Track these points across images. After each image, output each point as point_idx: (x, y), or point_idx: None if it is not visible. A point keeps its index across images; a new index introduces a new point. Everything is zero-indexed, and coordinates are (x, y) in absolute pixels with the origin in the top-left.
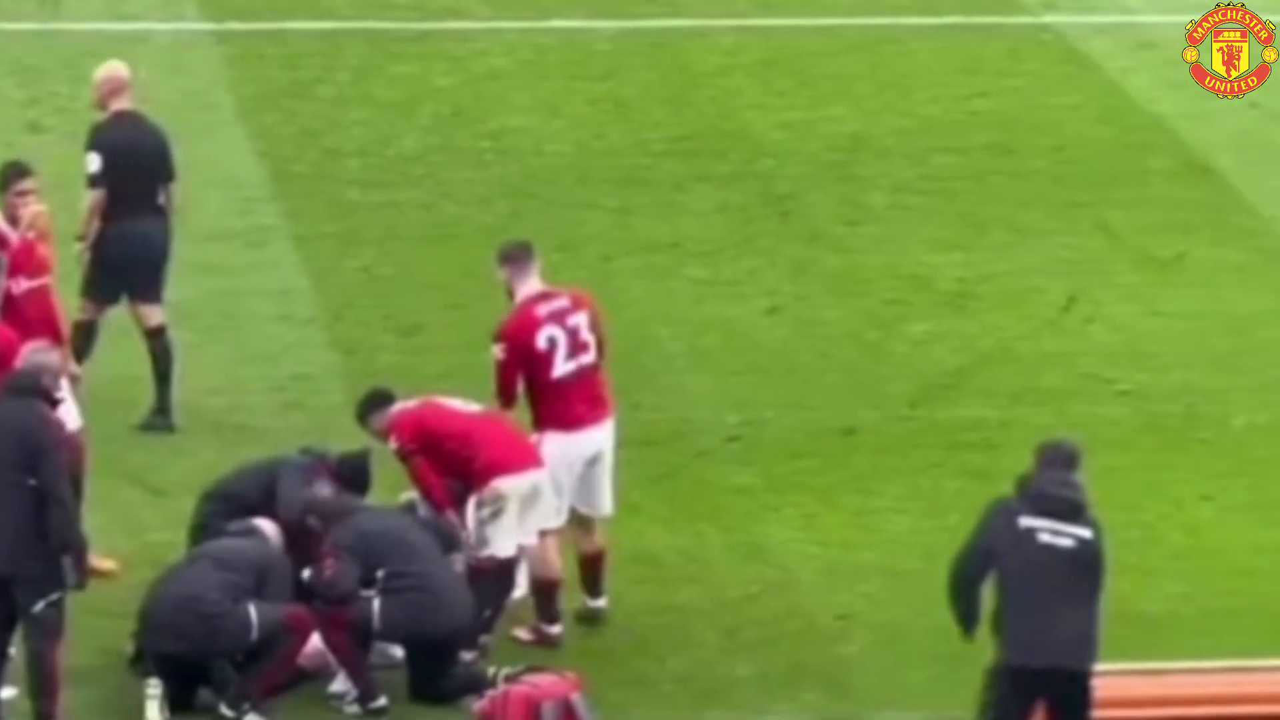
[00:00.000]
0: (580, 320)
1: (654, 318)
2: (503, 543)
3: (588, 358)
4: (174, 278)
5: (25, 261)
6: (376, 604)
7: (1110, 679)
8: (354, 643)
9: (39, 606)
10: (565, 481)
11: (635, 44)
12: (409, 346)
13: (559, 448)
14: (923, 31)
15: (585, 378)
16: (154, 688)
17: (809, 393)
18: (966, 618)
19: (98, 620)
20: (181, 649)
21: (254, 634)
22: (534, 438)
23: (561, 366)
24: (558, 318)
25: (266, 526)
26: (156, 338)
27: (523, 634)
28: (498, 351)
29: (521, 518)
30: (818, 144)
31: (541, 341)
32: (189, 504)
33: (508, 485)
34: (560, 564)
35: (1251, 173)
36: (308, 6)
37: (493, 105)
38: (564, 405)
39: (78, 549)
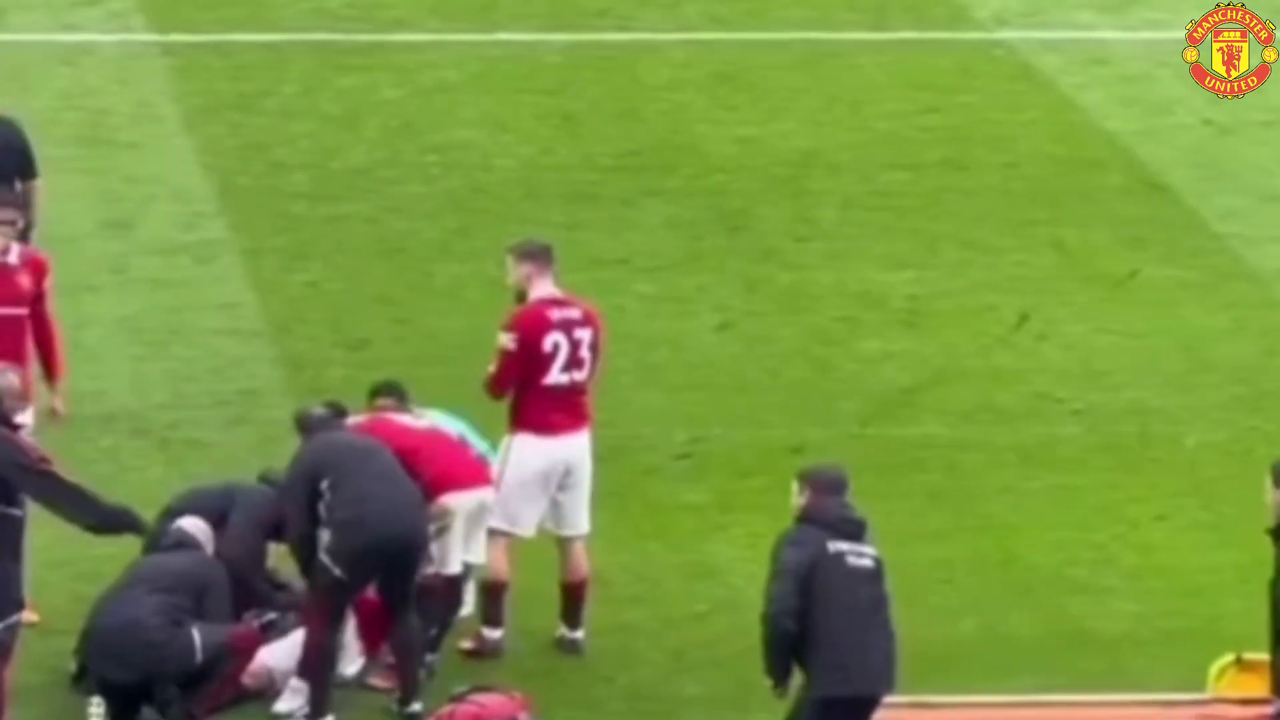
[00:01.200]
0: (584, 336)
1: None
2: (449, 559)
3: (580, 374)
4: (121, 290)
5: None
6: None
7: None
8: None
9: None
10: (539, 497)
11: (585, 58)
12: (357, 361)
13: (529, 450)
14: (873, 46)
15: (573, 392)
16: (96, 706)
17: (759, 410)
18: (785, 668)
19: (40, 638)
20: (125, 677)
21: (198, 657)
22: (506, 439)
23: (555, 375)
24: (566, 327)
25: (197, 530)
26: None
27: (465, 644)
28: (507, 341)
29: (468, 534)
30: (768, 159)
31: (547, 344)
32: None
33: (455, 501)
34: (508, 567)
35: (1204, 190)
36: (254, 19)
37: (440, 119)
38: (544, 412)
39: (122, 519)
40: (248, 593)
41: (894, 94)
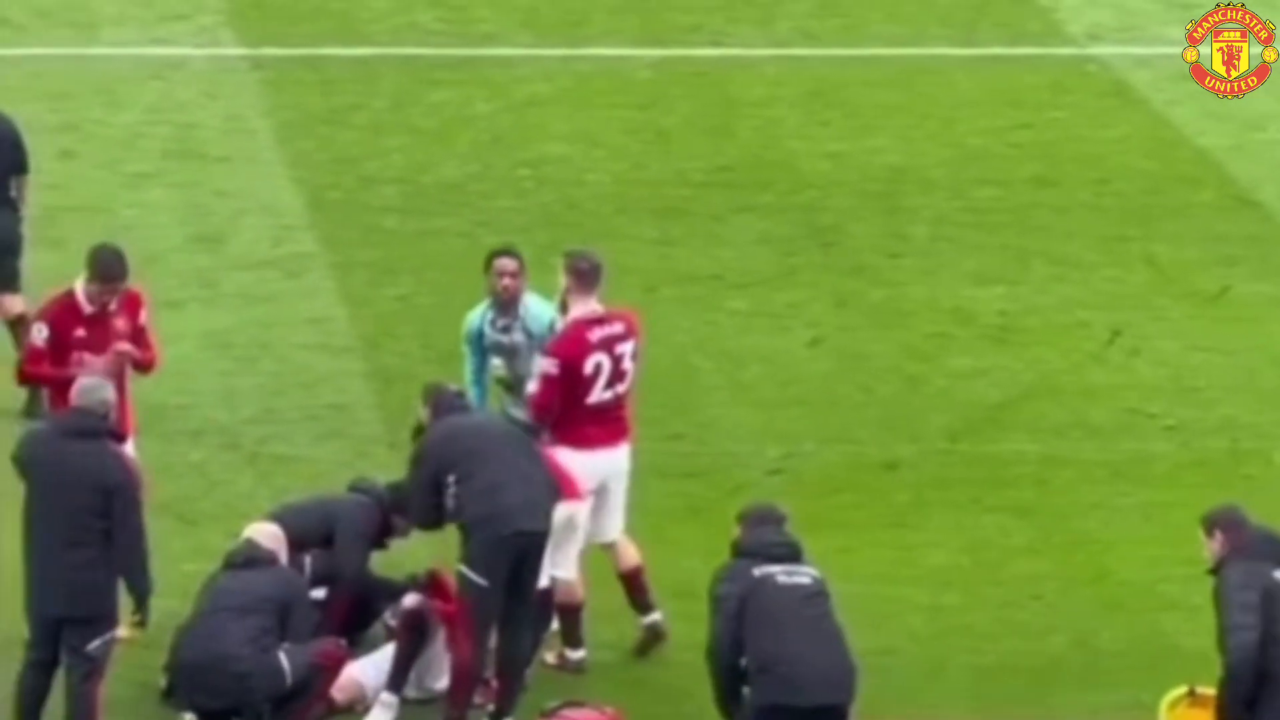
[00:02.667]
0: (626, 349)
1: (695, 349)
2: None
3: (622, 387)
4: (211, 305)
5: None
6: None
7: None
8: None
9: (93, 645)
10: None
11: (677, 73)
12: (447, 375)
13: (570, 464)
14: (965, 62)
15: (614, 405)
16: None
17: (850, 426)
18: (734, 700)
19: (132, 651)
20: (216, 706)
21: (287, 681)
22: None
23: (598, 394)
24: (607, 345)
25: (266, 537)
26: (20, 325)
27: (549, 658)
28: (548, 366)
29: (555, 549)
30: (860, 175)
31: (589, 367)
32: (220, 535)
33: None
34: (581, 589)
35: None
36: (344, 33)
37: (532, 133)
38: (584, 428)
39: (146, 591)
40: (368, 603)
41: (986, 110)
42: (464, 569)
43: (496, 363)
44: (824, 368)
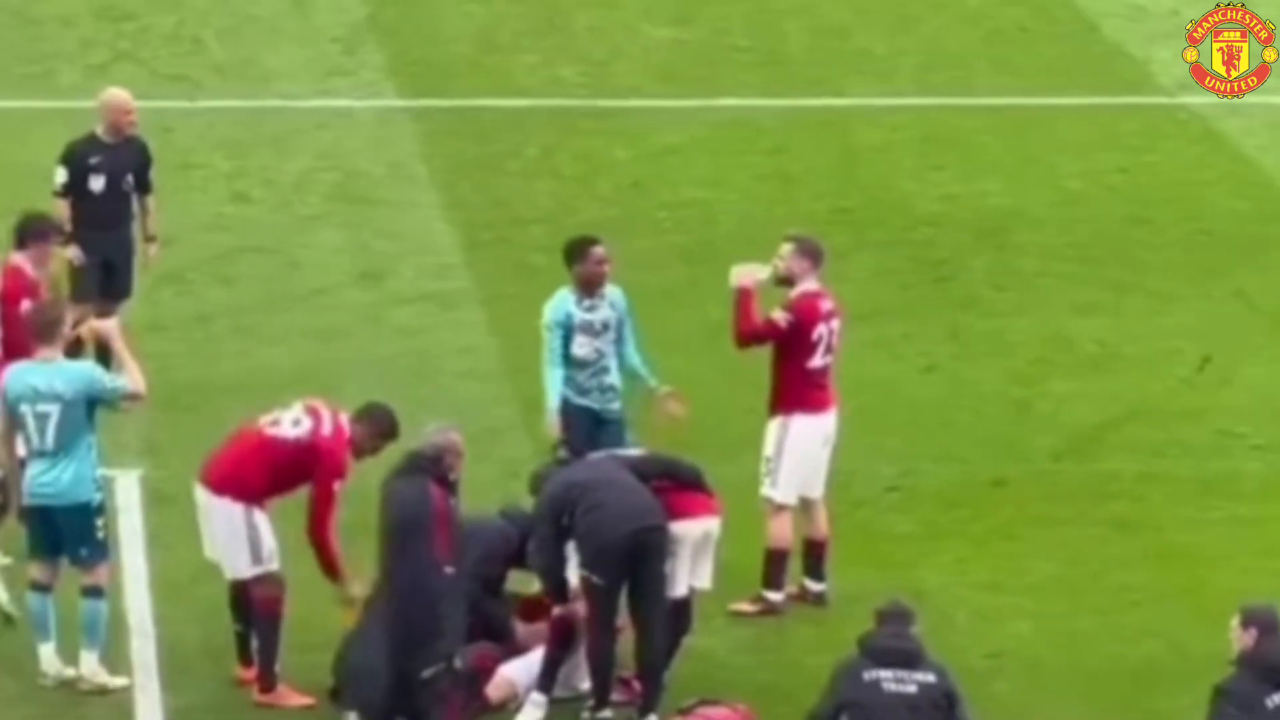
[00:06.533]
0: (837, 325)
1: None
2: (677, 583)
3: (831, 358)
4: (373, 337)
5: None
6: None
7: None
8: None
9: (427, 673)
10: (802, 466)
11: (802, 121)
12: None
13: (807, 426)
14: (1066, 111)
15: (827, 373)
16: None
17: (961, 446)
18: None
19: (298, 653)
20: (379, 707)
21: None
22: (775, 420)
23: (819, 359)
24: (829, 317)
25: None
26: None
27: (746, 606)
28: (780, 318)
29: (694, 561)
30: (971, 214)
31: (815, 334)
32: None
33: (682, 530)
34: (791, 536)
35: None
36: (497, 86)
37: (669, 178)
38: (812, 391)
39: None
40: (486, 622)
41: (1085, 154)
42: (584, 572)
43: (581, 340)
44: (936, 393)
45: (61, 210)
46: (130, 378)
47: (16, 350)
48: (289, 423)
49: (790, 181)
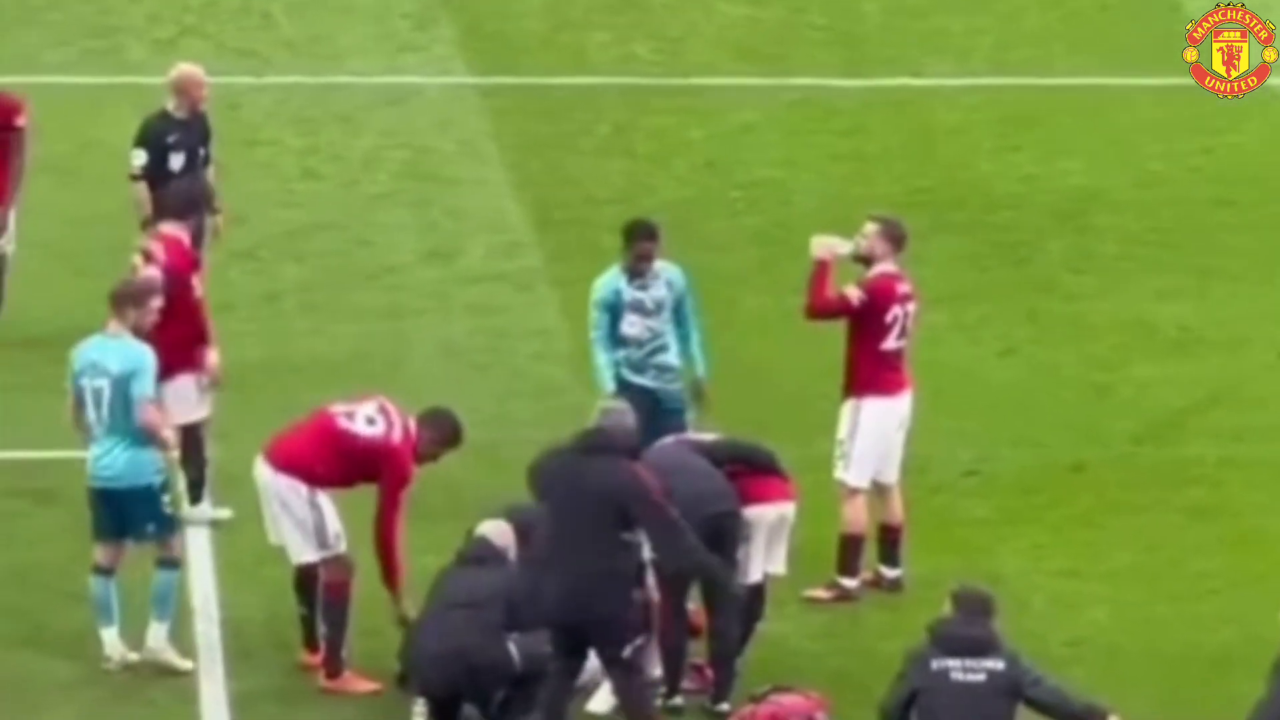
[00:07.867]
0: (912, 309)
1: None
2: (750, 569)
3: (905, 341)
4: (443, 316)
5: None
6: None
7: None
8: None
9: (626, 651)
10: (876, 448)
11: (878, 102)
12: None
13: (881, 409)
14: (1147, 91)
15: (900, 356)
16: (420, 708)
17: (1040, 431)
18: None
19: (365, 638)
20: (447, 693)
21: (517, 668)
22: (848, 403)
23: (893, 341)
24: (904, 300)
25: (498, 535)
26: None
27: (820, 592)
28: (854, 295)
29: (769, 547)
30: (1051, 196)
31: (890, 315)
32: (454, 531)
33: (757, 514)
34: (866, 521)
35: None
36: (568, 63)
37: (743, 158)
38: (885, 373)
39: (706, 568)
40: None
41: (1167, 136)
42: (652, 566)
43: (632, 319)
44: (1014, 376)
45: (140, 193)
46: (163, 436)
47: (185, 330)
48: (363, 419)
49: (866, 162)
